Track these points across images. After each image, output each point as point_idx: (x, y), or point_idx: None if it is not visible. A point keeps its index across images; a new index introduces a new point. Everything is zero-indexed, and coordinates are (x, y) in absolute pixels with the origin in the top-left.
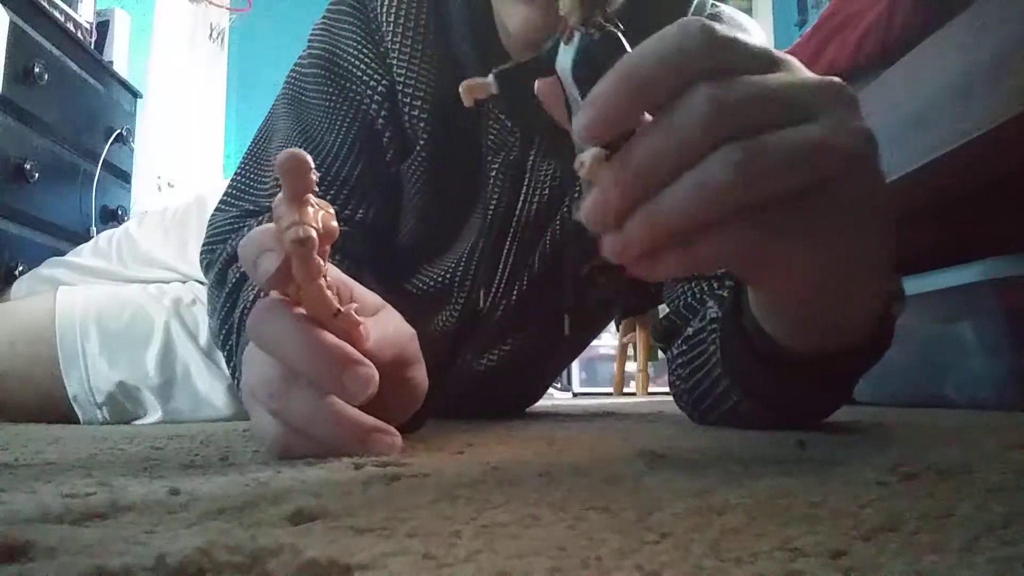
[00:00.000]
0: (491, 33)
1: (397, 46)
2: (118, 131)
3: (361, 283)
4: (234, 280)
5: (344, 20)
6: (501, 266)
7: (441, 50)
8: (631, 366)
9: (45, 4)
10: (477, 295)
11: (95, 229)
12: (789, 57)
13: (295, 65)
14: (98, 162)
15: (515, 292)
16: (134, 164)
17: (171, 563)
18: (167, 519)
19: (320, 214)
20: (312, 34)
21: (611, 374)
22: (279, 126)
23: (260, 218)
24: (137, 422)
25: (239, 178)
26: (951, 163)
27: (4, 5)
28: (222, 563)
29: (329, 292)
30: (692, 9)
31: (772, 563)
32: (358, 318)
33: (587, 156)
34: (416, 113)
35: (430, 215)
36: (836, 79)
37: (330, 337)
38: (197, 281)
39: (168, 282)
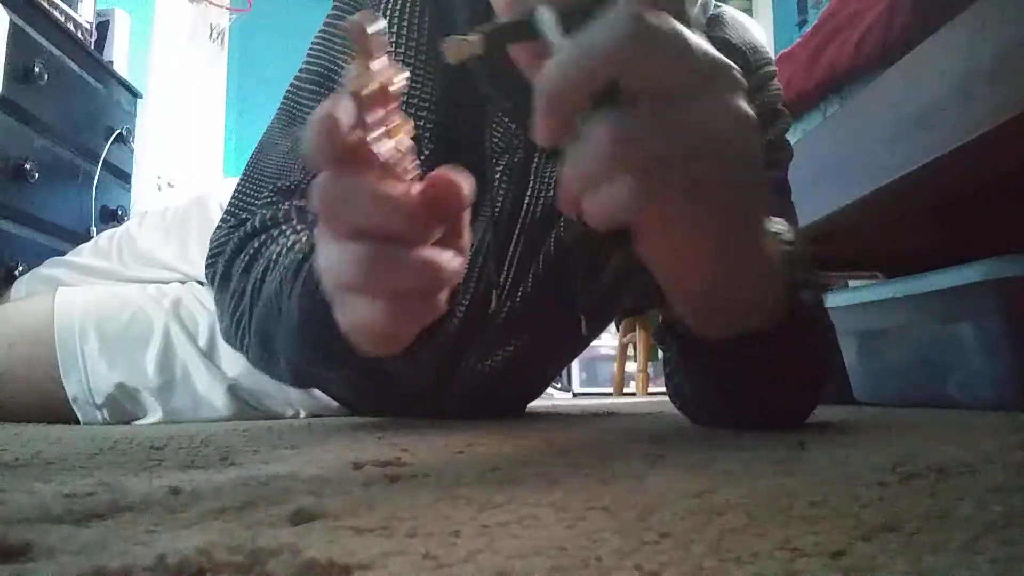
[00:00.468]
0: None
1: (401, 57)
2: (118, 131)
3: None
4: (245, 260)
5: (339, 33)
6: (506, 268)
7: (447, 65)
8: (631, 366)
9: (45, 4)
10: (482, 297)
11: (95, 229)
12: (698, 40)
13: (293, 79)
14: (98, 162)
15: (519, 294)
16: (134, 164)
17: (171, 563)
18: (167, 519)
19: (387, 73)
20: (310, 48)
21: (611, 374)
22: (276, 141)
23: (256, 225)
24: (137, 422)
25: (237, 195)
26: (951, 163)
27: (4, 5)
28: (222, 563)
29: (396, 151)
30: (695, 10)
31: (772, 563)
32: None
33: (455, 39)
34: (421, 123)
35: None
36: (729, 64)
37: (407, 192)
38: (197, 281)
39: (168, 282)
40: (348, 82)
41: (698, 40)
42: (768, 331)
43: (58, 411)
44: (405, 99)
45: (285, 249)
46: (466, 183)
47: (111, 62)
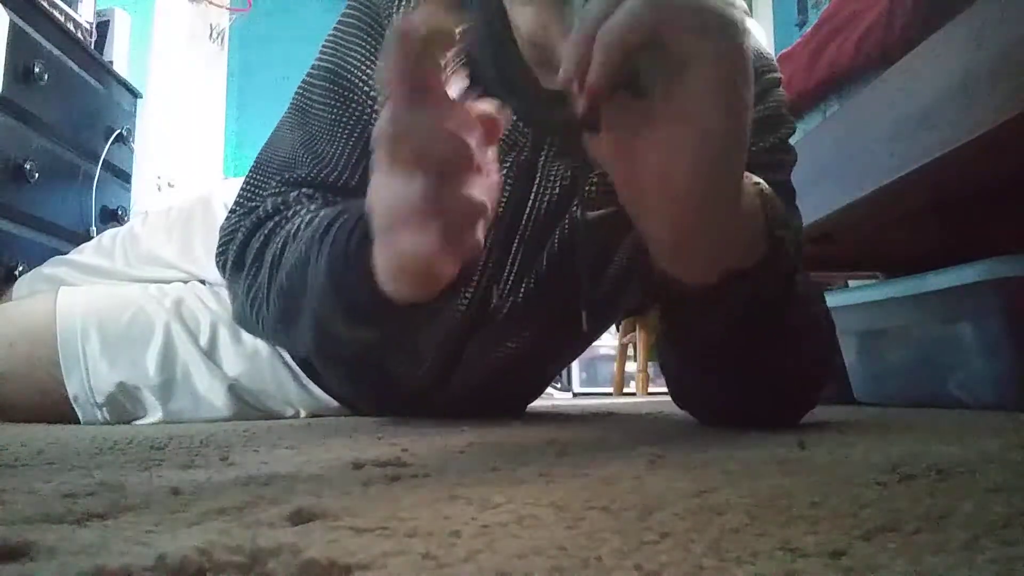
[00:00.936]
0: (506, 32)
1: None
2: (118, 131)
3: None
4: (260, 239)
5: (351, 32)
6: (509, 263)
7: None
8: (631, 366)
9: (45, 4)
10: (484, 292)
11: (95, 229)
12: None
13: (304, 77)
14: (98, 162)
15: (522, 290)
16: (134, 164)
17: (171, 563)
18: (167, 519)
19: (450, 18)
20: (322, 47)
21: (611, 374)
22: (285, 136)
23: (268, 210)
24: (137, 422)
25: (246, 186)
26: (951, 163)
27: (4, 5)
28: (222, 563)
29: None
30: None
31: (772, 563)
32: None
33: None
34: None
35: None
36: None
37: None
38: (200, 280)
39: (171, 281)
40: (421, 20)
41: None
42: (749, 271)
43: (58, 410)
44: None
45: (304, 224)
46: (501, 114)
47: (111, 62)
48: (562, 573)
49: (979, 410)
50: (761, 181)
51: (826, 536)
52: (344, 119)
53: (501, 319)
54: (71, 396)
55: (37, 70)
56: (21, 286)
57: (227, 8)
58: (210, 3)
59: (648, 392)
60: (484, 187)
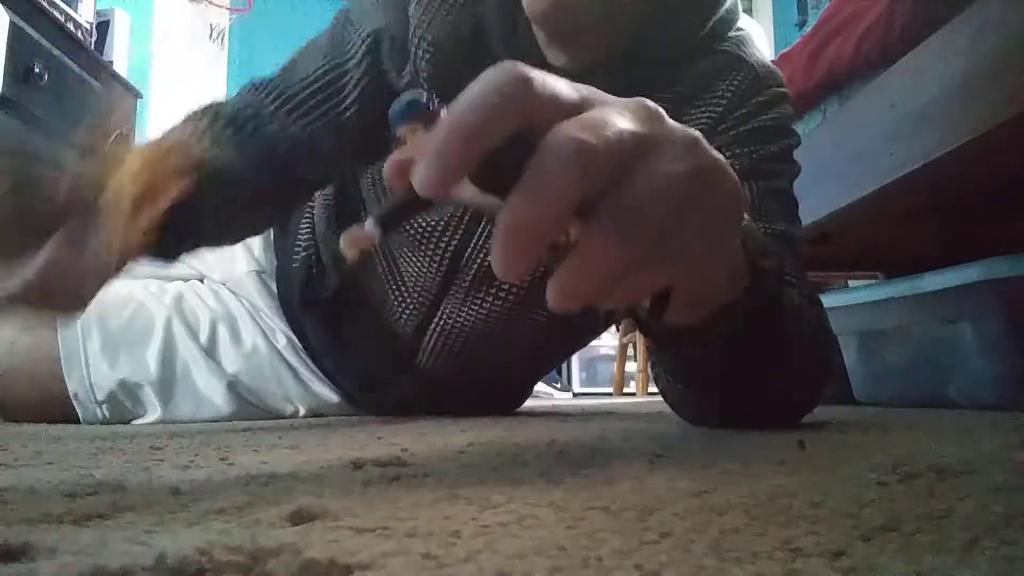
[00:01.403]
0: (518, 12)
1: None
2: (118, 131)
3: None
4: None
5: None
6: (483, 224)
7: (462, 9)
8: (631, 366)
9: (45, 4)
10: (459, 244)
11: None
12: (591, 89)
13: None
14: None
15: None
16: None
17: (171, 563)
18: (167, 519)
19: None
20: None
21: (611, 374)
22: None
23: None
24: (137, 421)
25: (252, 81)
26: (951, 163)
27: (4, 5)
28: (222, 563)
29: None
30: (717, 16)
31: (772, 563)
32: None
33: (353, 232)
34: (422, 54)
35: None
36: (646, 101)
37: None
38: (199, 279)
39: (173, 279)
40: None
41: (620, 117)
42: (731, 305)
43: (59, 408)
44: (413, 29)
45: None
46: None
47: (111, 62)
48: (562, 573)
49: (979, 410)
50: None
51: (826, 536)
52: (328, 47)
53: (476, 271)
54: (71, 394)
55: (37, 70)
56: None
57: (227, 8)
58: (210, 3)
59: (648, 392)
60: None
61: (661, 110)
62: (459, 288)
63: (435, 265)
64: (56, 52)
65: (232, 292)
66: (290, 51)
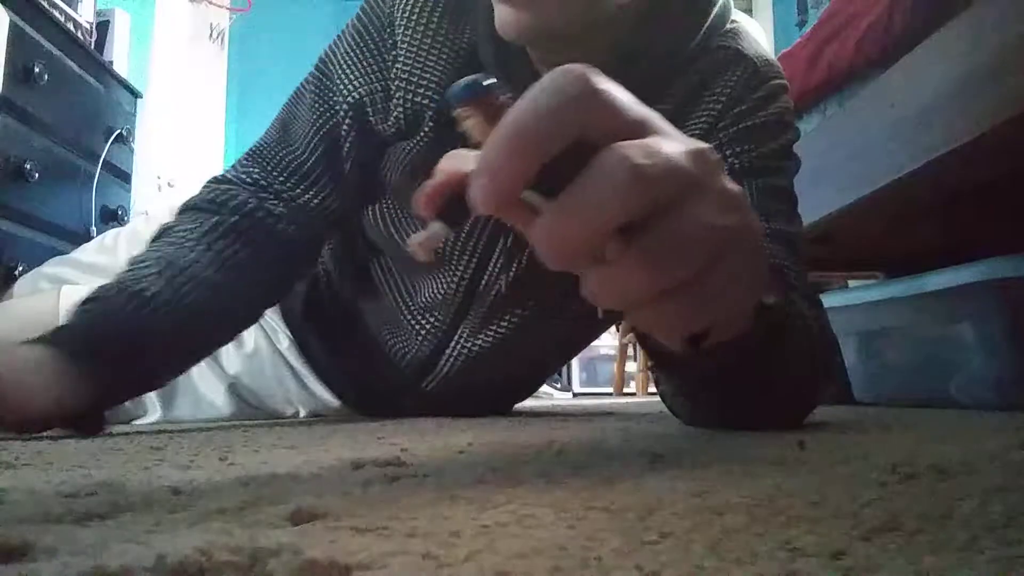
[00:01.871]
0: None
1: (407, 39)
2: (118, 131)
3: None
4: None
5: (347, 30)
6: (501, 241)
7: (454, 43)
8: (631, 366)
9: (45, 4)
10: (475, 272)
11: (95, 229)
12: (654, 113)
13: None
14: (98, 162)
15: (513, 268)
16: (134, 164)
17: (171, 563)
18: (167, 519)
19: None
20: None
21: (611, 374)
22: (277, 116)
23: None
24: (137, 422)
25: (255, 150)
26: (951, 163)
27: (4, 5)
28: (222, 563)
29: None
30: (710, 20)
31: (772, 563)
32: None
33: (419, 237)
34: (421, 100)
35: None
36: (704, 146)
37: None
38: None
39: None
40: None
41: (680, 149)
42: (735, 342)
43: None
44: (407, 76)
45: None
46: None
47: (111, 62)
48: (562, 573)
49: (979, 410)
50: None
51: (826, 536)
52: (317, 105)
53: (492, 297)
54: None
55: (37, 70)
56: (22, 286)
57: (227, 8)
58: (210, 3)
59: (648, 392)
60: None
61: (720, 160)
62: (476, 313)
63: (452, 289)
64: (56, 52)
65: None
66: (290, 51)
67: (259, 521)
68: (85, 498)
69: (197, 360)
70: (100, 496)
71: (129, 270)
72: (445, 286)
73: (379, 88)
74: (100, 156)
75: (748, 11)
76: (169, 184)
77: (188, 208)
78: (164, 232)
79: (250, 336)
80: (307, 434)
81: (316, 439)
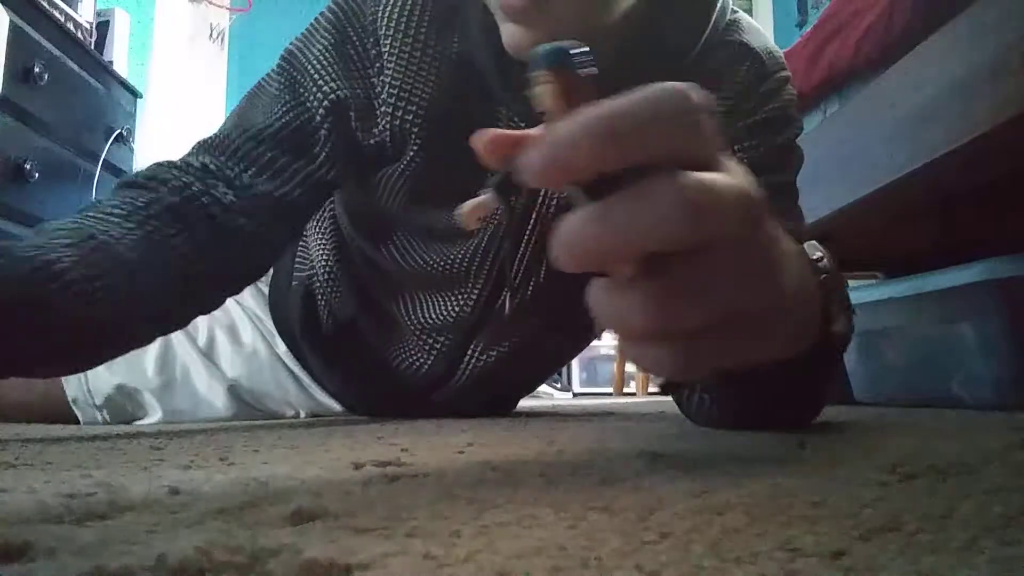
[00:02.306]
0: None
1: (395, 53)
2: (118, 131)
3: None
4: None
5: (320, 30)
6: (518, 261)
7: (443, 54)
8: (631, 366)
9: (45, 4)
10: (491, 292)
11: None
12: (727, 150)
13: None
14: (98, 162)
15: (531, 286)
16: (134, 164)
17: (171, 563)
18: (167, 519)
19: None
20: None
21: (611, 374)
22: (235, 109)
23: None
24: (137, 423)
25: (206, 140)
26: (951, 163)
27: (4, 5)
28: (222, 563)
29: None
30: (714, 16)
31: (772, 563)
32: None
33: (468, 205)
34: (409, 118)
35: (440, 201)
36: (763, 198)
37: None
38: None
39: None
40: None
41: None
42: (796, 359)
43: (58, 412)
44: (397, 93)
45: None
46: None
47: (111, 62)
48: (562, 573)
49: (979, 410)
50: (820, 253)
51: (826, 536)
52: (283, 95)
53: (508, 316)
54: (70, 398)
55: (37, 70)
56: None
57: (227, 8)
58: (210, 3)
59: (648, 392)
60: None
61: (770, 211)
62: (491, 329)
63: (468, 309)
64: (56, 52)
65: (234, 299)
66: None
67: (259, 521)
68: (85, 498)
69: (109, 356)
70: (100, 496)
71: (40, 236)
72: (460, 306)
73: (361, 95)
74: (100, 156)
75: (748, 11)
76: None
77: (123, 184)
78: (91, 205)
79: (249, 338)
80: (307, 434)
81: (316, 439)
